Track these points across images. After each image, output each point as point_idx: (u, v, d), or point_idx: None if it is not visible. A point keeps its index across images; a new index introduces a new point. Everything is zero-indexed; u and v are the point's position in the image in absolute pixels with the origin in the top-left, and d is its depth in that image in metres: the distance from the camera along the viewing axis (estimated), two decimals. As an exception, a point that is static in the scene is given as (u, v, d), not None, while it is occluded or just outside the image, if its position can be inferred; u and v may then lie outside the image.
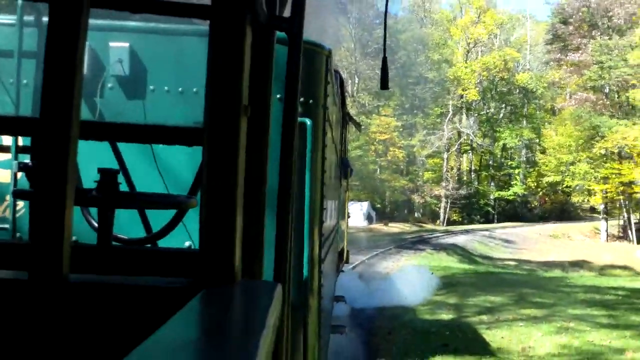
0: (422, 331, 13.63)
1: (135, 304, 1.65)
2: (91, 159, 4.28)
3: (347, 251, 15.22)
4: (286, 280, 1.89)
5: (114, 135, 2.95)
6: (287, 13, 1.99)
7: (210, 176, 1.60)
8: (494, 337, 13.40)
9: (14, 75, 4.65)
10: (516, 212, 75.38)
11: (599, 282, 24.69)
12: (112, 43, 4.60)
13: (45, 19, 1.53)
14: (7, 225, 4.67)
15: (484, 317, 15.47)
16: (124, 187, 4.24)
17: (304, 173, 4.62)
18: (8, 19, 4.70)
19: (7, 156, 4.68)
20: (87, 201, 3.02)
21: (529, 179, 74.97)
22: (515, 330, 14.00)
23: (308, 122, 4.65)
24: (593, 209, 70.18)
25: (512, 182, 75.45)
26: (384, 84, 5.13)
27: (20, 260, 1.96)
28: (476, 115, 75.15)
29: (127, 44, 4.61)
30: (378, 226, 53.90)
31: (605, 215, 58.24)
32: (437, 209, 69.90)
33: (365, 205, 55.44)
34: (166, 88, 4.68)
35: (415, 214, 71.13)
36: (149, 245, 4.11)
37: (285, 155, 1.90)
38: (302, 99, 4.70)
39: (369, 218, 54.86)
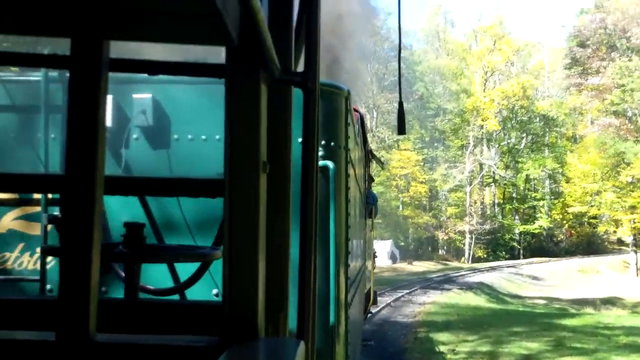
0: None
1: None
2: (123, 210, 4.36)
3: (375, 292, 14.99)
4: (309, 337, 1.87)
5: (138, 190, 2.98)
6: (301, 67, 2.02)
7: (231, 232, 1.62)
8: (538, 395, 12.48)
9: (42, 130, 4.76)
10: (542, 246, 74.17)
11: (638, 323, 23.34)
12: (135, 95, 4.69)
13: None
14: (37, 277, 4.73)
15: None
16: (151, 239, 4.31)
17: (328, 217, 4.63)
18: (35, 75, 4.81)
19: (37, 209, 4.76)
20: (113, 257, 3.05)
21: (553, 211, 73.95)
22: (557, 384, 13.08)
23: (330, 165, 4.68)
24: (621, 241, 68.33)
25: (536, 215, 74.66)
26: (401, 129, 5.16)
27: (48, 318, 1.97)
28: (497, 146, 74.79)
29: (149, 95, 4.70)
30: (402, 265, 53.09)
31: (634, 248, 55.90)
32: (462, 245, 69.15)
33: (388, 243, 54.88)
34: (190, 136, 4.74)
35: (440, 252, 70.43)
36: (177, 294, 4.15)
37: (305, 211, 1.90)
38: (323, 142, 4.74)
39: (392, 257, 54.21)
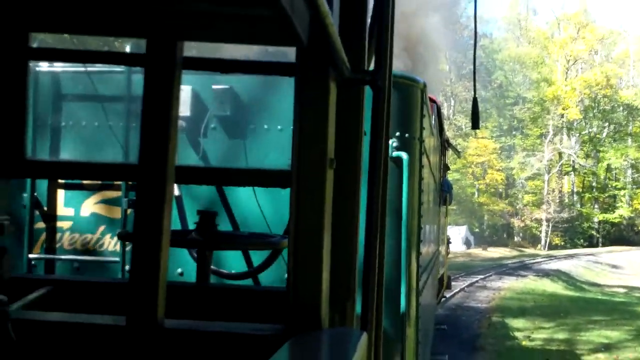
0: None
1: (225, 351, 1.72)
2: (201, 199, 4.50)
3: (449, 277, 14.85)
4: (372, 328, 1.90)
5: (208, 179, 3.09)
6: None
7: (297, 226, 1.66)
8: (615, 382, 11.99)
9: (125, 119, 4.94)
10: (622, 235, 71.92)
11: None
12: (214, 85, 4.82)
13: None
14: (117, 259, 4.93)
15: (601, 356, 14.13)
16: (227, 226, 4.43)
17: (400, 206, 4.68)
18: (120, 67, 4.99)
19: (118, 193, 4.95)
20: (186, 243, 3.17)
21: (635, 200, 71.84)
22: (638, 373, 12.57)
23: (404, 156, 4.74)
24: None
25: (617, 204, 72.54)
26: (475, 124, 5.17)
27: (120, 300, 2.06)
28: (578, 135, 72.87)
29: (228, 86, 4.81)
30: (476, 251, 52.29)
31: None
32: (538, 232, 67.70)
33: (463, 229, 54.34)
34: (266, 126, 4.85)
35: (515, 238, 69.18)
36: (248, 278, 4.28)
37: (371, 208, 1.93)
38: (397, 133, 4.81)
39: (467, 242, 53.65)
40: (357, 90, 1.96)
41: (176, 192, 4.51)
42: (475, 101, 5.19)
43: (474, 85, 5.38)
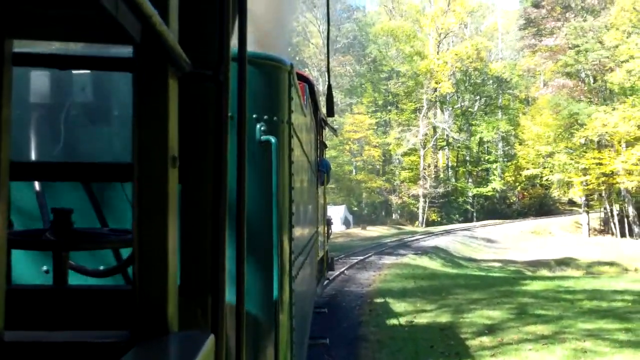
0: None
1: None
2: (69, 197, 4.20)
3: (332, 258, 14.66)
4: (222, 329, 1.86)
5: (46, 175, 2.92)
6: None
7: (140, 225, 1.61)
8: (503, 367, 11.83)
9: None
10: (495, 208, 75.71)
11: (599, 286, 22.65)
12: (74, 71, 4.53)
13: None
14: None
15: (486, 340, 13.73)
16: (94, 224, 4.16)
17: (270, 191, 4.58)
18: None
19: None
20: (38, 244, 2.94)
21: (506, 174, 75.19)
22: (525, 357, 12.32)
23: (272, 140, 4.63)
24: (572, 202, 70.08)
25: (490, 178, 75.75)
26: (330, 111, 5.13)
27: None
28: (451, 108, 75.32)
29: (89, 71, 4.54)
30: (356, 230, 53.28)
31: (586, 209, 57.37)
32: (416, 209, 69.67)
33: (341, 209, 55.22)
34: (130, 112, 4.58)
35: (394, 216, 71.00)
36: (114, 275, 4.03)
37: (218, 205, 1.88)
38: (265, 117, 4.69)
39: (346, 222, 54.62)
40: (203, 86, 1.90)
41: (37, 188, 4.19)
42: (329, 89, 5.15)
43: (328, 74, 5.34)
